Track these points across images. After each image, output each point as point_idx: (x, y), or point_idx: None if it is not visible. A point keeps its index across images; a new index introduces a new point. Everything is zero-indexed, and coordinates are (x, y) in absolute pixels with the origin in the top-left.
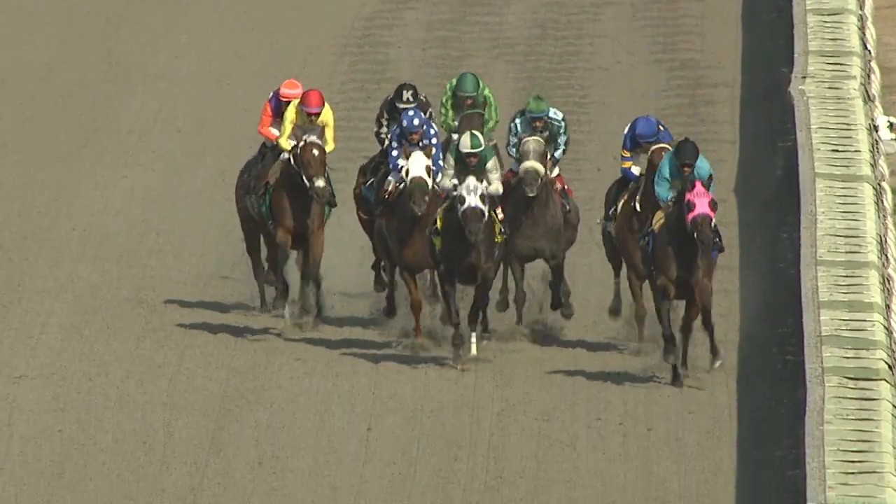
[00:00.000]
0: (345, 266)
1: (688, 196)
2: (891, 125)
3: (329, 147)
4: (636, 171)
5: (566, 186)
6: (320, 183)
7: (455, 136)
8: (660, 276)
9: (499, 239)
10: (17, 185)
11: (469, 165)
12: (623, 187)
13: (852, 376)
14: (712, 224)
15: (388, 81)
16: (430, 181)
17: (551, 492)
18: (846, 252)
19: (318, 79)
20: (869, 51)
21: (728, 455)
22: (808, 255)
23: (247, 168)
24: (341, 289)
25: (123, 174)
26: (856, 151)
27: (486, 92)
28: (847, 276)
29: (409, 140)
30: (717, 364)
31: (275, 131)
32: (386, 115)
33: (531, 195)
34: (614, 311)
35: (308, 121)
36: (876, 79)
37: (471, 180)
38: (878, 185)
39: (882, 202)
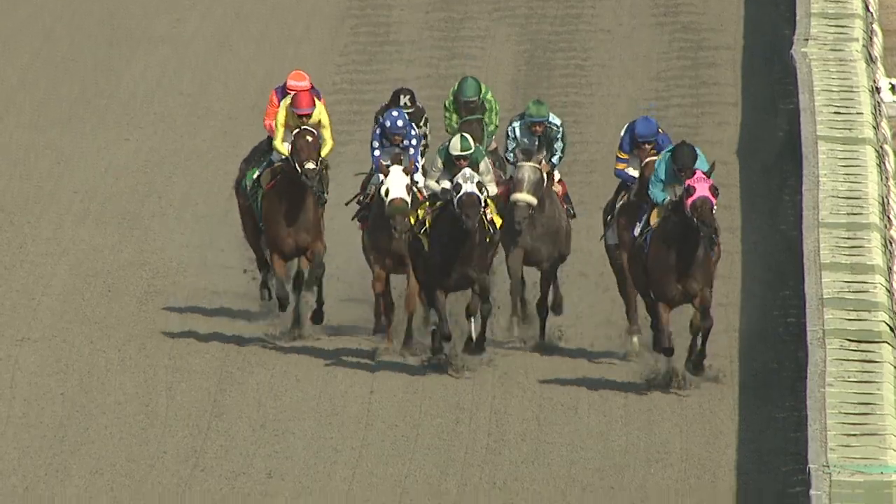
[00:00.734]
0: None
1: (688, 181)
2: (893, 87)
3: (327, 146)
4: (632, 172)
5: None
6: (310, 165)
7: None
8: (657, 291)
9: (490, 238)
10: (19, 149)
11: (459, 168)
12: (618, 197)
13: (854, 338)
14: (713, 209)
15: (390, 44)
16: (409, 200)
17: (553, 454)
18: (848, 214)
19: (321, 41)
20: (871, 13)
21: (730, 417)
22: (809, 217)
23: (247, 161)
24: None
25: (126, 137)
26: (858, 114)
27: (489, 96)
28: (849, 238)
29: (391, 141)
30: (701, 374)
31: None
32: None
33: (518, 229)
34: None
35: (300, 123)
36: (878, 41)
37: (467, 171)
38: (881, 147)
39: (884, 164)
